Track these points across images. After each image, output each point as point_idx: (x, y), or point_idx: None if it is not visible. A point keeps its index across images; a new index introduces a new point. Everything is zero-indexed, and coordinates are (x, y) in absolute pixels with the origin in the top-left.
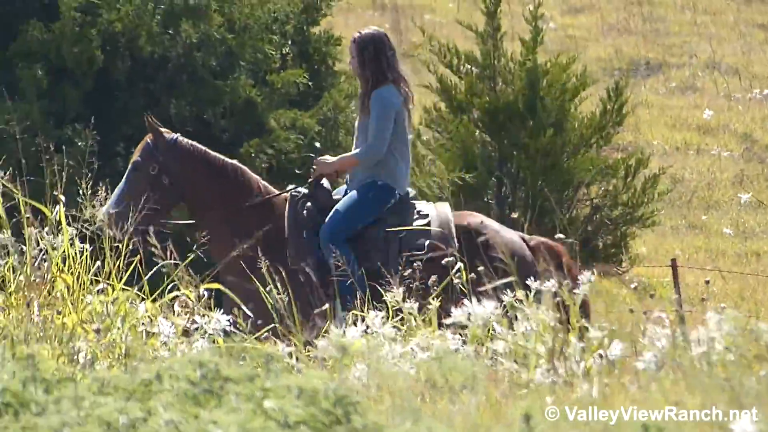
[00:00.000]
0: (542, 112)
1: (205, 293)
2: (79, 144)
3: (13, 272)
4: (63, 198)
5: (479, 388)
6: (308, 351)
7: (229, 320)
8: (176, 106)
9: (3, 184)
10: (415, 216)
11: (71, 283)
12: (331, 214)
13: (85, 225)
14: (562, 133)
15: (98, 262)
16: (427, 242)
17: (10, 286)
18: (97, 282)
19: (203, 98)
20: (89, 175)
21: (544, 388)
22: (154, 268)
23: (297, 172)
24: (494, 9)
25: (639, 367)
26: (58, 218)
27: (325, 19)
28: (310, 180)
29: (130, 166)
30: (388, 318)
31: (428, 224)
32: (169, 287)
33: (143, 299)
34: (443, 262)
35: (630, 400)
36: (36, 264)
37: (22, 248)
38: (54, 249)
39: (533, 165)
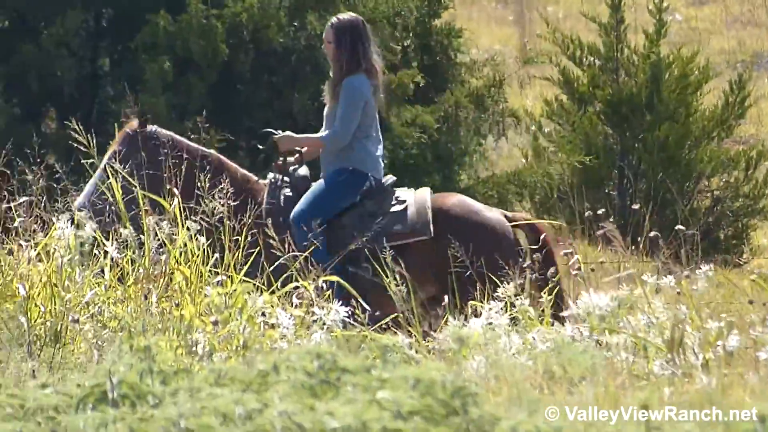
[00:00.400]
0: (659, 105)
1: (324, 285)
2: (195, 136)
3: (132, 264)
4: (176, 191)
5: (598, 380)
6: (427, 342)
7: (347, 311)
8: (299, 99)
9: (124, 177)
10: (393, 202)
11: (189, 275)
12: (301, 200)
13: (203, 217)
14: (681, 126)
15: (216, 255)
16: (401, 227)
17: (129, 278)
18: (216, 274)
19: None
20: (207, 168)
21: (662, 379)
22: (276, 263)
23: (414, 165)
24: (618, 1)
25: (761, 357)
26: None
27: (447, 11)
28: (278, 157)
29: (107, 157)
30: (505, 310)
31: (405, 210)
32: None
33: (262, 291)
34: (561, 253)
35: (749, 392)
36: (154, 256)
37: (141, 240)
38: (172, 241)
39: (654, 157)
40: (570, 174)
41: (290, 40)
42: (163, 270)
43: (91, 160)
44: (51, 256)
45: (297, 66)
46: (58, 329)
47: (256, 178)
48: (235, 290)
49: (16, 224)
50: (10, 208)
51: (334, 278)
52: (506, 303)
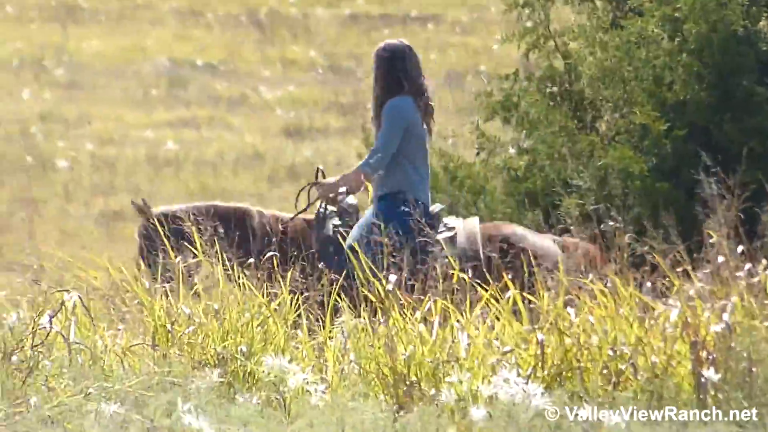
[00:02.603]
0: None
1: None
2: None
3: None
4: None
5: None
6: None
7: None
8: None
9: None
10: (442, 229)
11: None
12: (353, 229)
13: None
14: None
15: None
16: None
17: None
18: None
19: None
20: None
21: None
22: None
23: None
24: None
25: None
26: None
27: None
28: (310, 203)
29: (138, 252)
30: None
31: (454, 237)
32: None
33: None
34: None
35: None
36: None
37: None
38: None
39: None
40: None
41: None
42: None
43: None
44: None
45: None
46: None
47: (287, 217)
48: None
49: None
50: None
51: None
52: None
